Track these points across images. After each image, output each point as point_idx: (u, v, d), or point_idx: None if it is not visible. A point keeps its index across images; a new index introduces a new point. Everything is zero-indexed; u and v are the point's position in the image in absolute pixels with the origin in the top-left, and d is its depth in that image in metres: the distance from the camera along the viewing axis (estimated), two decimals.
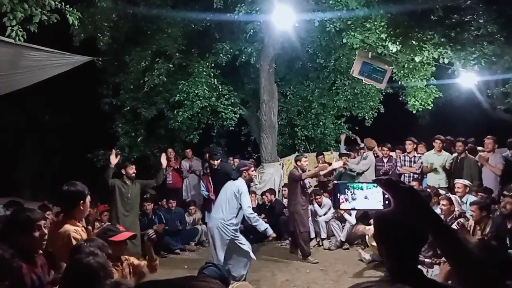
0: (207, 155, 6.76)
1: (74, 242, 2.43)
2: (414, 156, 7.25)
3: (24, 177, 10.67)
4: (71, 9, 5.01)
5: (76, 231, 2.47)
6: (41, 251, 2.46)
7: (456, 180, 6.17)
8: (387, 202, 1.20)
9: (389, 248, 1.45)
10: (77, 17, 5.10)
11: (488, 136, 6.54)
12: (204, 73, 8.31)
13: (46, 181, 10.37)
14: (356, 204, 1.26)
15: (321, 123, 10.66)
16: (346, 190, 1.25)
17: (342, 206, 1.28)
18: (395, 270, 1.41)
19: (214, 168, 6.35)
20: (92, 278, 1.80)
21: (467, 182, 6.06)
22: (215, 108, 9.03)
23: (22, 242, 2.24)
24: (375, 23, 6.55)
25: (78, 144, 9.91)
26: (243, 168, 5.03)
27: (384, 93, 10.22)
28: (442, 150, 7.06)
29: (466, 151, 6.85)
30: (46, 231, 2.31)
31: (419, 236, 1.45)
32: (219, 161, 6.33)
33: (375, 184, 1.21)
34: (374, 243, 5.55)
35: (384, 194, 1.20)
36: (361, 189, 1.24)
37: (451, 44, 5.69)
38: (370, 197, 1.23)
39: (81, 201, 2.59)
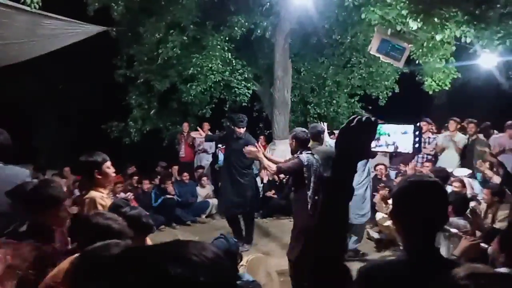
0: (232, 121, 5.92)
1: (100, 208, 2.50)
2: (429, 137, 7.16)
3: (42, 145, 10.86)
4: None
5: (102, 197, 2.54)
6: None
7: (455, 172, 6.05)
8: (416, 145, 1.19)
9: (406, 227, 1.45)
10: None
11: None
12: (218, 46, 8.20)
13: (63, 149, 10.55)
14: (385, 149, 1.24)
15: (334, 101, 10.53)
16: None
17: (377, 149, 1.26)
18: (412, 249, 1.41)
19: (236, 136, 5.49)
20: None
21: (465, 172, 5.94)
22: (228, 83, 8.96)
23: (45, 219, 2.26)
24: None
25: (94, 114, 9.98)
26: None
27: (400, 73, 10.01)
28: (457, 131, 6.95)
29: (478, 134, 6.75)
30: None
31: (438, 215, 1.45)
32: (244, 129, 5.53)
33: (405, 130, 1.20)
34: (384, 223, 5.60)
35: (414, 138, 1.19)
36: (389, 135, 1.22)
37: (475, 23, 5.49)
38: (399, 142, 1.21)
39: (96, 170, 2.64)
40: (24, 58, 6.79)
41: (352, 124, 1.08)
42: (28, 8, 5.04)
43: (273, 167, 3.98)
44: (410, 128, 1.21)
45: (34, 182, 2.84)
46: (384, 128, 1.22)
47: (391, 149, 1.23)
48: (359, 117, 1.09)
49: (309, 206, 3.80)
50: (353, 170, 1.08)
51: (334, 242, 1.05)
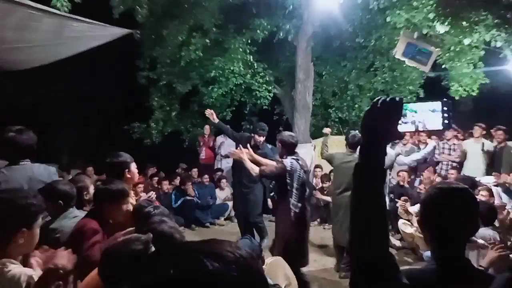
0: (253, 127, 5.76)
1: (130, 207, 2.54)
2: (454, 144, 6.96)
3: (63, 145, 11.12)
4: None
5: (132, 197, 2.59)
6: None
7: (482, 181, 5.84)
8: (446, 121, 1.13)
9: (436, 235, 1.39)
10: None
11: None
12: (240, 49, 8.23)
13: (83, 149, 10.79)
14: (410, 127, 1.20)
15: (356, 105, 10.38)
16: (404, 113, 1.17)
17: (400, 129, 1.21)
18: (442, 258, 1.35)
19: (255, 143, 5.23)
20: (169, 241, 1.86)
21: (491, 180, 5.71)
22: (249, 85, 8.97)
23: (109, 211, 2.39)
24: (423, 1, 6.19)
25: (114, 115, 10.16)
26: None
27: (425, 77, 9.78)
28: (482, 138, 6.73)
29: (507, 141, 6.51)
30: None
31: (469, 223, 1.38)
32: (263, 138, 5.32)
33: (433, 108, 1.15)
34: (406, 230, 5.46)
35: (443, 114, 1.13)
36: (416, 112, 1.17)
37: (506, 26, 5.30)
38: (428, 119, 1.16)
39: (126, 170, 2.71)
40: (49, 61, 6.95)
41: (377, 105, 1.04)
42: (57, 12, 5.18)
43: (256, 170, 3.87)
44: (437, 105, 1.16)
45: (63, 180, 2.91)
46: (411, 106, 1.19)
47: (419, 126, 1.19)
48: (383, 97, 1.06)
49: (292, 213, 3.70)
50: (382, 153, 1.04)
51: (374, 232, 0.98)
